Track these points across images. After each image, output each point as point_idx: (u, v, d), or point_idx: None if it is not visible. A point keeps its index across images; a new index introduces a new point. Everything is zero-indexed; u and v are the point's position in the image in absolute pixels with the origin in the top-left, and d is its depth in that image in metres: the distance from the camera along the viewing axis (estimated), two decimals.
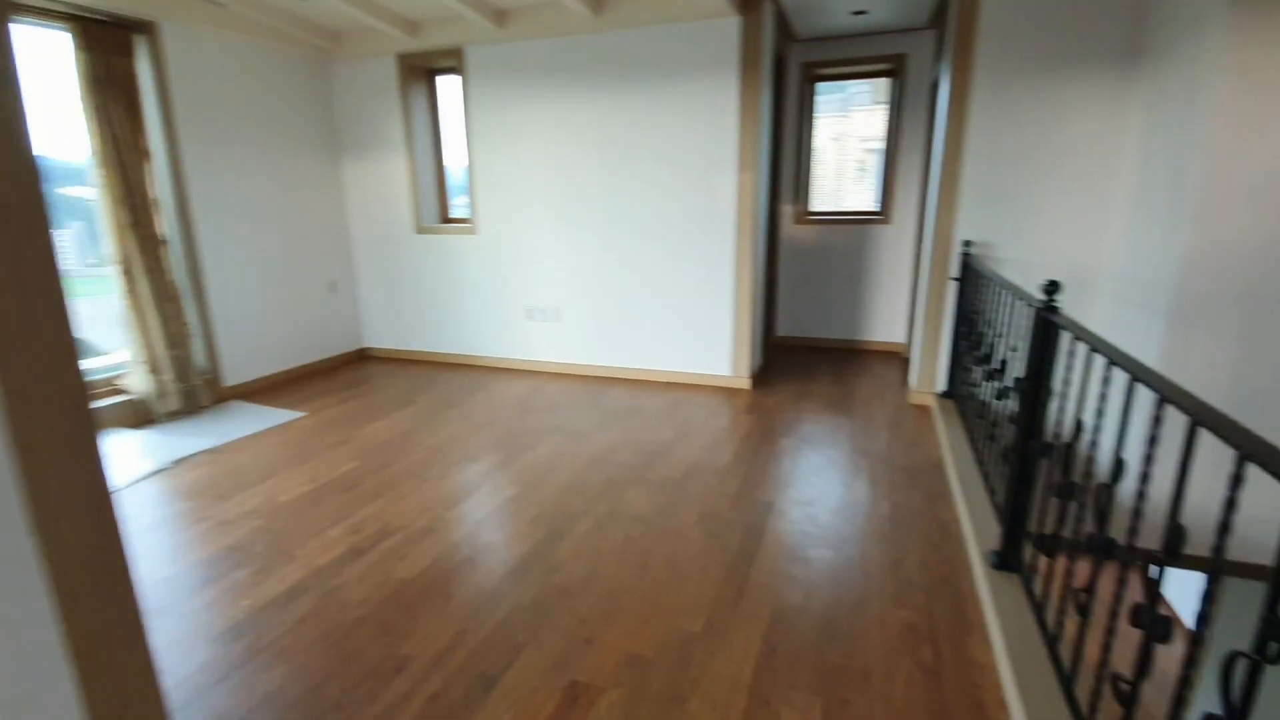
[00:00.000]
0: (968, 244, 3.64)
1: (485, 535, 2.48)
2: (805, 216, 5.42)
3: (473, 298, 4.92)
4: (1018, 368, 2.31)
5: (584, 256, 4.53)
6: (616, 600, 2.07)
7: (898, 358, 5.20)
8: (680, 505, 2.71)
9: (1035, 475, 2.00)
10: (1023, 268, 3.58)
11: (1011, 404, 2.29)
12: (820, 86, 5.35)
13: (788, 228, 5.44)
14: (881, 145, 5.36)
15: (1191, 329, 2.72)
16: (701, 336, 4.38)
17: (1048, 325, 1.87)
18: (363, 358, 5.35)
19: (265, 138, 4.39)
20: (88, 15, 3.32)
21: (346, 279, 5.18)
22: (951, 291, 3.81)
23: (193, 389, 3.91)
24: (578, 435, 3.51)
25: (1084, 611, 1.43)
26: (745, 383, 4.35)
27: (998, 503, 2.40)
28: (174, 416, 3.82)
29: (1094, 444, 1.56)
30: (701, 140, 4.07)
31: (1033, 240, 3.57)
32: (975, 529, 2.36)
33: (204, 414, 3.91)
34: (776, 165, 5.01)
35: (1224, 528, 0.97)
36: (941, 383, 3.97)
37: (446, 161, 5.07)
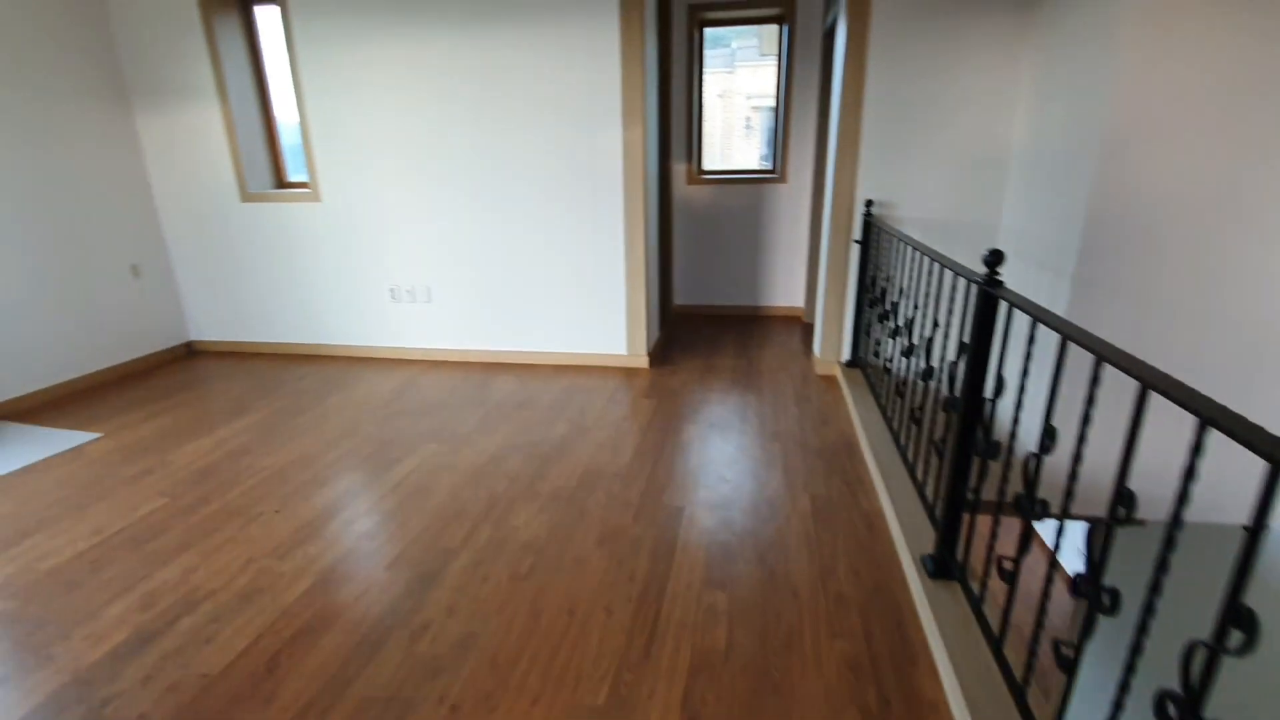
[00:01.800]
0: (870, 204, 3.41)
1: (329, 593, 1.96)
2: (698, 176, 5.05)
3: (323, 277, 4.18)
4: (932, 339, 2.06)
5: (454, 225, 3.91)
6: (500, 671, 1.64)
7: (799, 323, 5.02)
8: (577, 523, 2.30)
9: (975, 473, 1.75)
10: (923, 227, 3.41)
11: (939, 384, 2.04)
12: (707, 40, 4.93)
13: (680, 188, 5.06)
14: (771, 101, 5.06)
15: (1096, 289, 2.61)
16: (593, 312, 3.94)
17: (990, 301, 1.60)
18: (191, 354, 4.47)
19: (12, 82, 3.38)
20: None
21: (159, 260, 4.25)
22: (854, 254, 3.59)
23: None
24: (457, 440, 3.00)
25: (1060, 656, 1.16)
26: (643, 361, 3.97)
27: (926, 495, 2.18)
28: None
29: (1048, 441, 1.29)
30: (582, 89, 3.54)
31: (934, 198, 3.39)
32: (903, 525, 2.12)
33: None
34: (666, 120, 4.58)
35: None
36: (847, 351, 3.78)
37: (278, 114, 4.21)
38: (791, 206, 4.97)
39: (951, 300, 2.05)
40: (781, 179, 4.92)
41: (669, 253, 4.98)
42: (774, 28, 4.88)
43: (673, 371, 3.93)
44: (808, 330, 4.80)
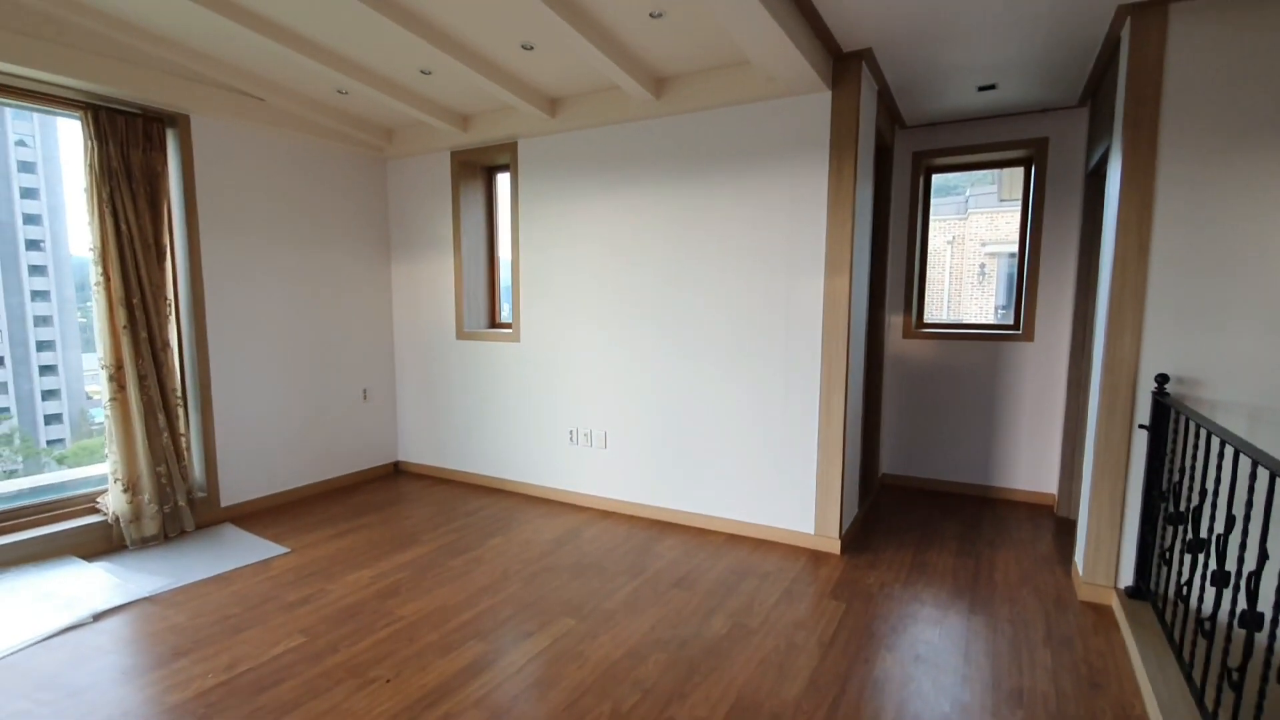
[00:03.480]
0: (1163, 380, 2.53)
1: None
2: (918, 329, 4.43)
3: (511, 414, 4.27)
4: None
5: (636, 373, 3.77)
6: None
7: (1049, 514, 3.92)
8: None
9: None
10: (1251, 416, 2.43)
11: None
12: (936, 187, 4.50)
13: (895, 342, 4.46)
14: (1011, 248, 4.36)
15: None
16: (778, 478, 3.42)
17: None
18: (397, 473, 4.78)
19: (309, 237, 4.10)
20: (111, 106, 3.15)
21: (386, 386, 4.72)
22: (1140, 443, 2.67)
23: (176, 511, 3.41)
24: (598, 619, 2.61)
25: None
26: (834, 544, 3.29)
27: None
28: (146, 543, 3.31)
29: None
30: (782, 236, 3.30)
31: (1270, 377, 2.41)
32: None
33: (181, 541, 3.37)
34: (880, 269, 4.13)
35: None
36: (1128, 573, 2.74)
37: (502, 261, 4.61)
38: (1040, 370, 4.07)
39: None
40: (1026, 336, 4.09)
41: (877, 413, 4.32)
42: (1018, 170, 4.30)
43: (871, 564, 3.18)
44: (1064, 528, 3.70)
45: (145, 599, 2.74)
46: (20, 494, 3.28)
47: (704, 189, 3.47)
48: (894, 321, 4.45)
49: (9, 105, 2.95)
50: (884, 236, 4.18)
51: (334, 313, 4.31)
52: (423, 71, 3.31)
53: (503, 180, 4.50)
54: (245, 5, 2.67)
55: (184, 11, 2.71)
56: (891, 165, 4.26)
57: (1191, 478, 2.22)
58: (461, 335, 4.41)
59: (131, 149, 3.24)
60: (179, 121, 3.43)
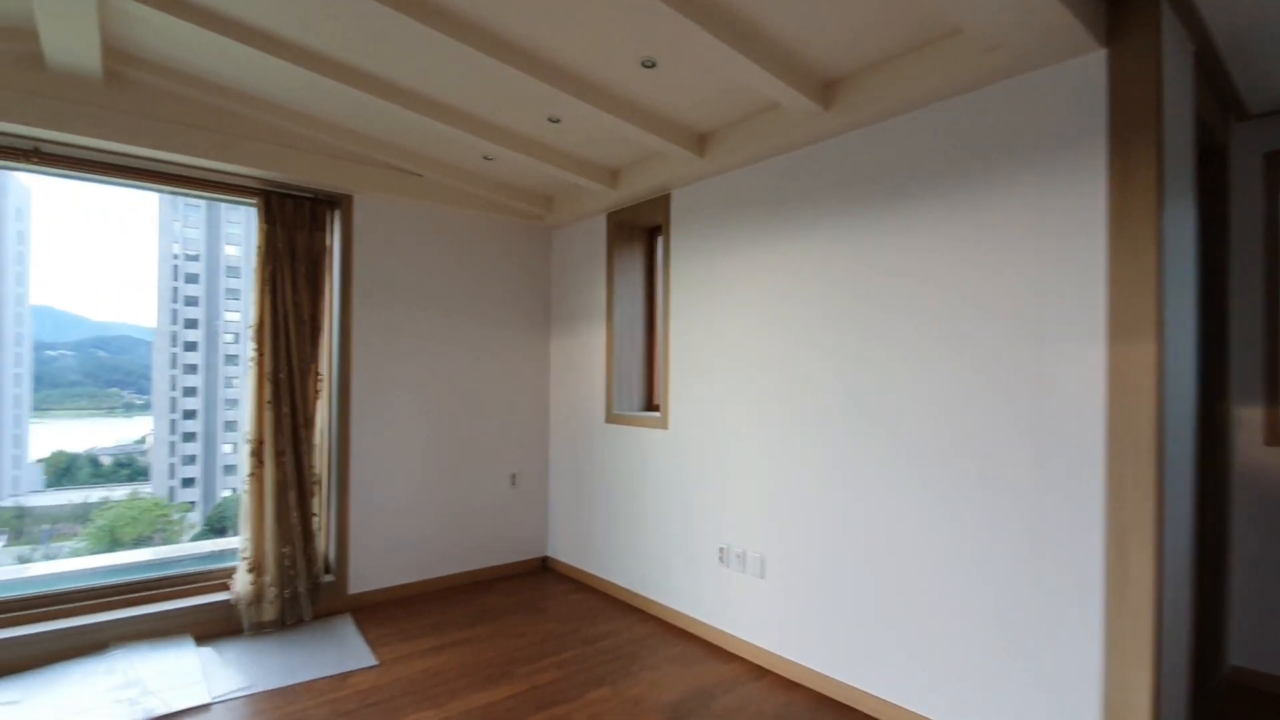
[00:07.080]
0: None
1: None
2: None
3: (655, 517, 3.49)
4: None
5: (803, 481, 2.76)
6: None
7: None
8: None
9: None
10: None
11: None
12: None
13: (1250, 451, 2.77)
14: None
15: None
16: (1027, 674, 2.09)
17: None
18: (544, 570, 4.26)
19: (466, 311, 3.95)
20: (282, 191, 3.29)
21: (538, 472, 4.30)
22: None
23: (295, 597, 3.24)
24: None
25: None
26: None
27: None
28: (263, 629, 3.14)
29: None
30: (1022, 285, 2.14)
31: None
32: None
33: (293, 632, 3.16)
34: (1218, 335, 2.62)
35: None
36: None
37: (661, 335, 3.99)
38: None
39: None
40: None
41: (1220, 571, 2.66)
42: None
43: None
44: None
45: (200, 706, 2.46)
46: (183, 560, 3.40)
47: (896, 225, 2.47)
48: (1247, 418, 2.78)
49: (196, 196, 3.24)
50: (1221, 285, 2.67)
51: (488, 390, 4.06)
52: (551, 120, 2.93)
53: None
54: (386, 78, 2.59)
55: (334, 94, 2.74)
56: (1227, 176, 2.77)
57: None
58: (610, 418, 3.82)
59: (298, 231, 3.34)
60: (342, 202, 3.51)
